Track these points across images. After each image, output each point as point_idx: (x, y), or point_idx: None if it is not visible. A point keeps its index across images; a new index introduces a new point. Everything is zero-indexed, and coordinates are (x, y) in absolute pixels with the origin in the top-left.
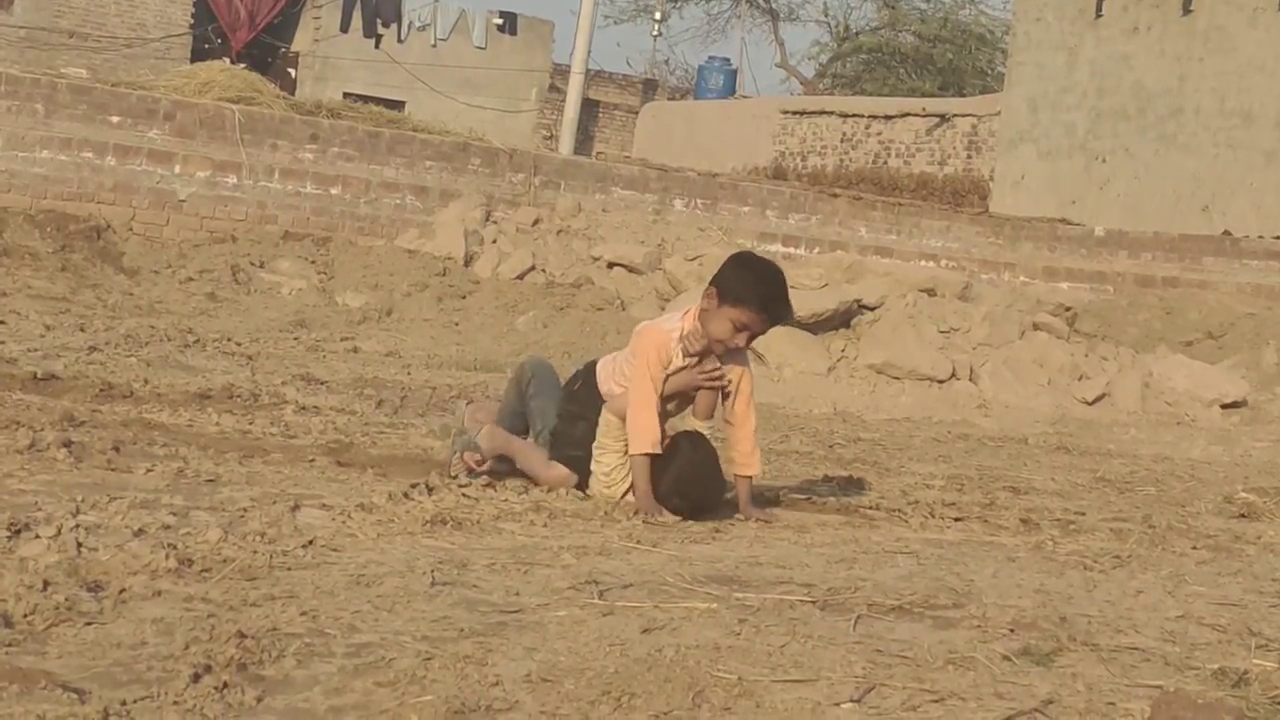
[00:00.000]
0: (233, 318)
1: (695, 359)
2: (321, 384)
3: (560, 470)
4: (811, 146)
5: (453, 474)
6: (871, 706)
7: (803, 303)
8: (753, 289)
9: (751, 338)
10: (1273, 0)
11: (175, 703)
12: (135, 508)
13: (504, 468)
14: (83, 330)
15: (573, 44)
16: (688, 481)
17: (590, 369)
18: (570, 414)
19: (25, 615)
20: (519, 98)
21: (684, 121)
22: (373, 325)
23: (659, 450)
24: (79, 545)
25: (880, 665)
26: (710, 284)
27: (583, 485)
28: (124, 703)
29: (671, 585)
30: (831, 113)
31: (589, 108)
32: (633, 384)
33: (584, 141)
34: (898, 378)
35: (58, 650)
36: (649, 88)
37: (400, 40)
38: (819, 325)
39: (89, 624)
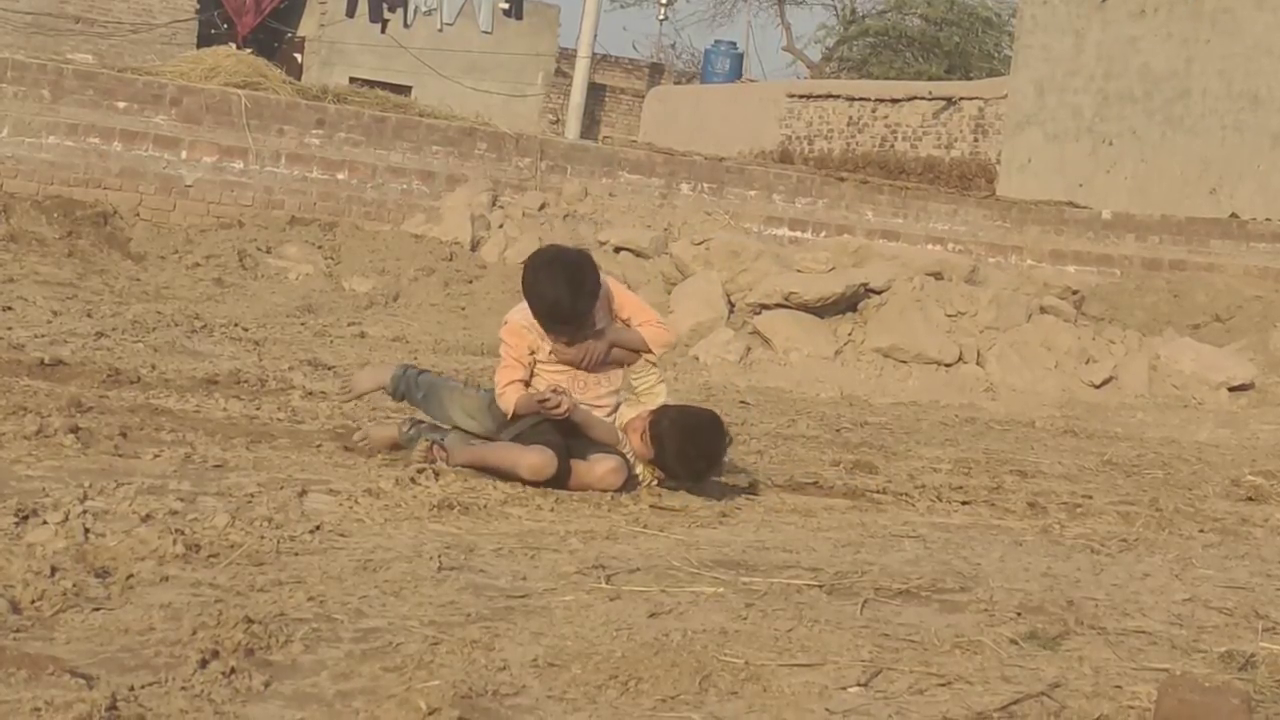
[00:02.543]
0: (239, 303)
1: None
2: (328, 369)
3: (544, 453)
4: (818, 130)
5: (415, 459)
6: (878, 690)
7: (809, 286)
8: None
9: (561, 342)
10: None
11: (183, 688)
12: (142, 493)
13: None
14: (90, 316)
15: (579, 28)
16: (691, 430)
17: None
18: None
19: (33, 601)
20: (525, 82)
21: (690, 106)
22: (379, 310)
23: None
24: (86, 531)
25: (887, 649)
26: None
27: (561, 474)
28: (132, 688)
29: (678, 570)
30: (838, 96)
31: (595, 92)
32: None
33: (590, 126)
34: (904, 361)
35: (65, 636)
36: (655, 72)
37: (406, 25)
38: (825, 309)
39: (96, 610)
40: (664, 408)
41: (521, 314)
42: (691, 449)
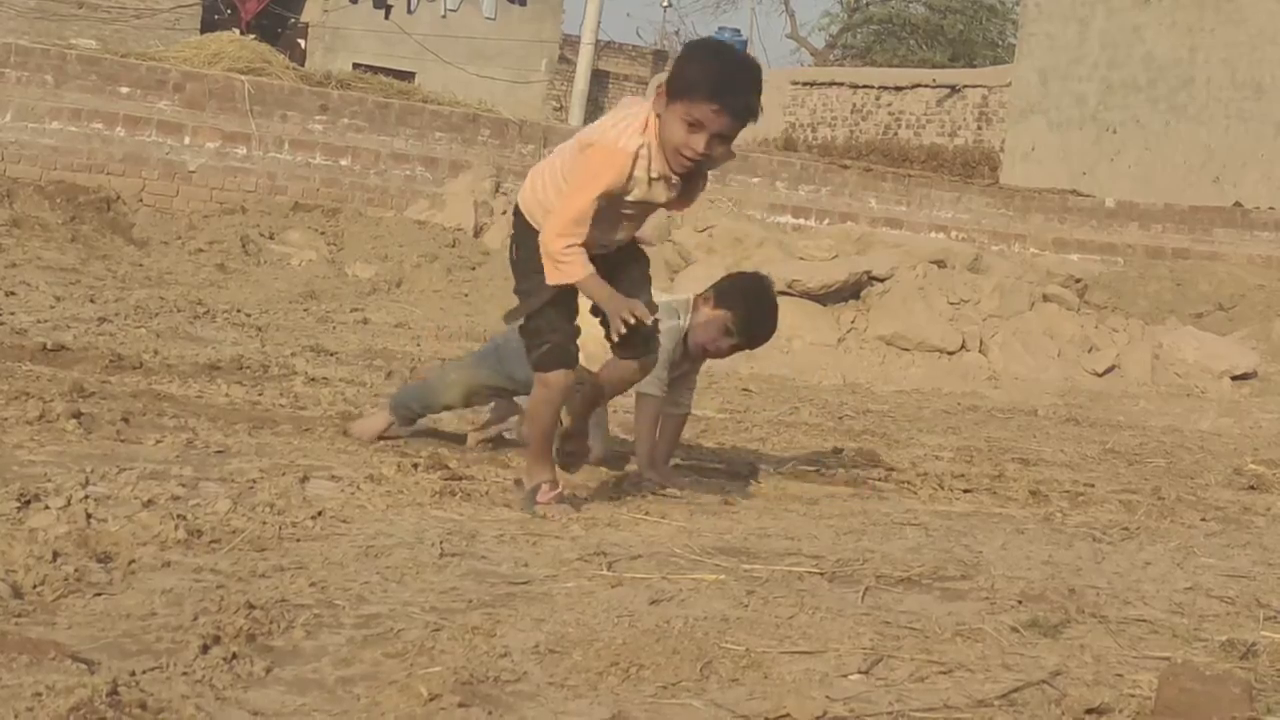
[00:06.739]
0: (242, 289)
1: (670, 175)
2: (331, 355)
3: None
4: (821, 118)
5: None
6: (879, 678)
7: (812, 274)
8: (701, 74)
9: (712, 139)
10: None
11: (184, 673)
12: (145, 479)
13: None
14: (92, 301)
15: (582, 14)
16: (759, 295)
17: (518, 223)
18: (524, 294)
19: (35, 586)
20: (529, 68)
21: None
22: (382, 296)
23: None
24: (88, 516)
25: (888, 637)
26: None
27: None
28: (133, 673)
29: (680, 557)
30: (842, 84)
31: (599, 79)
32: (568, 198)
33: (594, 112)
34: (907, 349)
35: (67, 621)
36: (659, 58)
37: (410, 11)
38: (828, 296)
39: (98, 595)
40: (727, 278)
41: (627, 136)
42: (759, 313)
